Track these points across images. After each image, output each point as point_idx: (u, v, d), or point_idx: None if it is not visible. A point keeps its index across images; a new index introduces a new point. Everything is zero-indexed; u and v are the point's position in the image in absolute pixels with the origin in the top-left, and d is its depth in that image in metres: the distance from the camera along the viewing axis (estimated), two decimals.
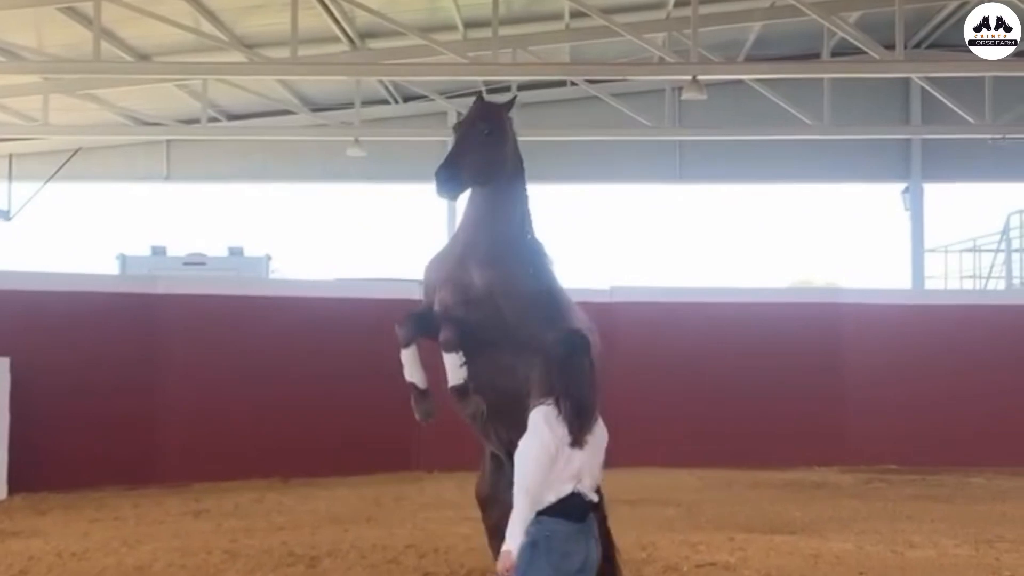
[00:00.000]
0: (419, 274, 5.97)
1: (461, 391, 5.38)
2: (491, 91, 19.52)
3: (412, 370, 5.51)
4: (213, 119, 20.76)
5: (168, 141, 22.94)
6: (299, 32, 14.46)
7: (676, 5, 17.02)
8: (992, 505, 10.86)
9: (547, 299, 5.69)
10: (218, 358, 12.25)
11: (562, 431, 4.52)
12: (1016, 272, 21.56)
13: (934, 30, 19.69)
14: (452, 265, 5.65)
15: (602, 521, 5.17)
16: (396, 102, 21.80)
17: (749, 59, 19.21)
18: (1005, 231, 21.54)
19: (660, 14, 17.71)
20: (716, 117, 20.05)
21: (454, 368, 5.36)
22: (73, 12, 14.99)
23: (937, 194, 22.83)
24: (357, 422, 12.41)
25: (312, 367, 12.49)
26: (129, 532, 9.04)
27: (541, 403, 4.59)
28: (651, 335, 13.28)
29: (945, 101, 17.69)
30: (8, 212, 23.69)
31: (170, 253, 19.78)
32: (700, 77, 15.27)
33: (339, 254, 24.24)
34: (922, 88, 19.32)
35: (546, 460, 4.48)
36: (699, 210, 24.41)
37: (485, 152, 5.65)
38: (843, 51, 17.91)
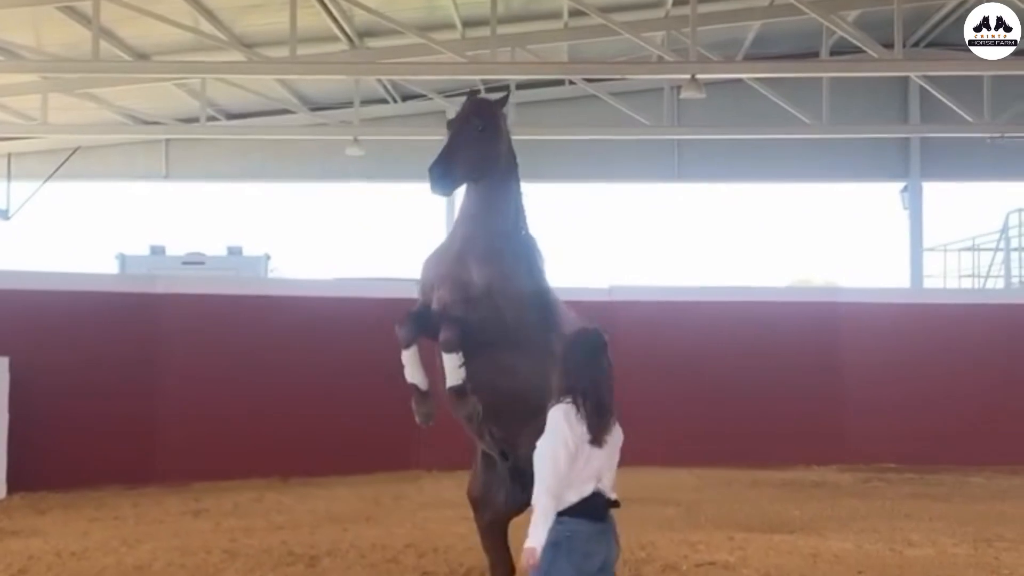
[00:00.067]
0: (417, 273, 5.96)
1: (459, 392, 5.37)
2: (490, 90, 19.54)
3: (413, 371, 5.49)
4: (212, 118, 20.75)
5: (167, 140, 22.94)
6: (298, 31, 14.47)
7: (675, 4, 17.01)
8: (991, 504, 10.86)
9: (542, 298, 5.71)
10: (217, 357, 12.24)
11: (581, 429, 4.50)
12: (1015, 271, 21.55)
13: (933, 29, 19.69)
14: (450, 263, 5.64)
15: None
16: (395, 101, 21.81)
17: (748, 58, 19.20)
18: (1004, 230, 21.53)
19: (659, 13, 17.70)
20: (715, 116, 20.06)
21: (453, 368, 5.34)
22: (72, 11, 14.98)
23: (936, 193, 22.83)
24: (356, 421, 12.41)
25: (311, 366, 12.49)
26: (128, 531, 9.05)
27: (559, 401, 4.57)
28: (650, 334, 13.26)
29: (944, 100, 17.69)
30: (7, 211, 23.68)
31: (169, 252, 19.77)
32: (699, 76, 15.26)
33: (338, 253, 24.26)
34: (921, 87, 19.34)
35: (565, 458, 4.46)
36: (698, 209, 24.41)
37: (479, 148, 5.65)
38: (842, 50, 17.91)
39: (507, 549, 6.00)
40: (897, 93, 21.76)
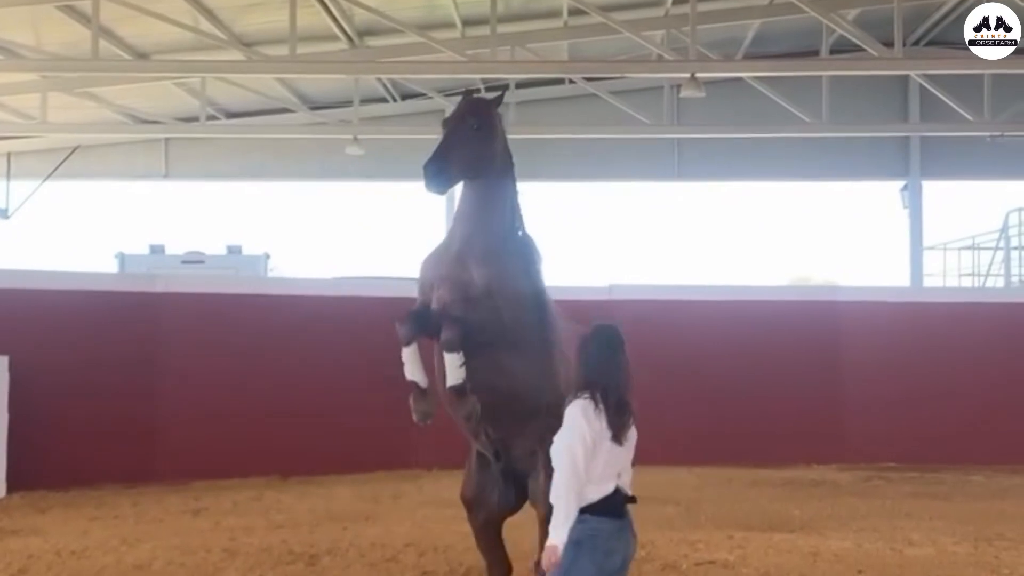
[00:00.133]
0: (416, 272, 5.95)
1: (459, 391, 5.36)
2: (489, 89, 19.53)
3: (413, 368, 5.49)
4: (212, 117, 20.73)
5: (167, 139, 22.92)
6: (297, 30, 14.45)
7: (674, 2, 17.00)
8: (991, 503, 10.86)
9: (539, 299, 5.71)
10: (217, 357, 12.24)
11: (599, 425, 4.48)
12: (1015, 270, 21.54)
13: (933, 27, 19.67)
14: (449, 263, 5.63)
15: None
16: (395, 100, 21.79)
17: (748, 57, 19.19)
18: (1004, 229, 21.52)
19: (659, 11, 17.69)
20: (715, 115, 20.04)
21: (454, 368, 5.33)
22: (71, 10, 14.97)
23: (936, 192, 22.83)
24: (356, 420, 12.41)
25: (310, 365, 12.50)
26: (128, 530, 9.05)
27: (576, 397, 4.55)
28: (650, 333, 13.17)
29: (944, 98, 17.67)
30: (7, 210, 23.65)
31: (169, 251, 19.77)
32: (699, 75, 15.25)
33: (338, 252, 24.26)
34: (921, 85, 19.32)
35: (582, 454, 4.44)
36: (698, 208, 24.42)
37: (474, 147, 5.63)
38: (842, 48, 17.88)
39: (503, 548, 6.01)
40: (897, 92, 21.75)
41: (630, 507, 4.67)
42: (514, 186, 5.89)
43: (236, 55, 16.59)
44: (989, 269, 21.93)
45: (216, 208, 24.68)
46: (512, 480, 5.84)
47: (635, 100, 19.78)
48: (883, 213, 23.26)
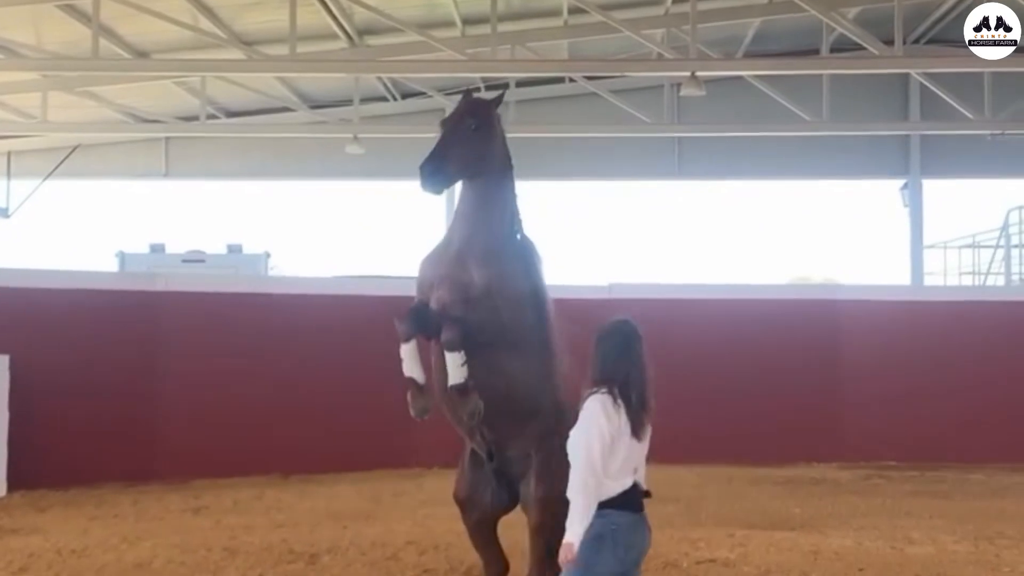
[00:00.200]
0: (416, 271, 5.95)
1: (462, 390, 5.36)
2: (490, 87, 19.55)
3: (411, 365, 5.49)
4: (212, 116, 20.74)
5: (167, 138, 22.92)
6: (298, 29, 14.46)
7: (675, 1, 17.00)
8: (991, 501, 10.86)
9: (538, 300, 5.71)
10: (217, 355, 12.24)
11: (619, 420, 4.48)
12: (1015, 268, 21.55)
13: (933, 26, 19.66)
14: (449, 263, 5.62)
15: None
16: (395, 99, 21.79)
17: (748, 55, 19.19)
18: (1004, 227, 21.52)
19: (659, 10, 17.69)
20: (715, 113, 20.03)
21: (455, 367, 5.33)
22: (72, 9, 14.98)
23: (936, 190, 22.82)
24: (356, 418, 12.41)
25: (311, 363, 12.50)
26: (128, 529, 9.05)
27: (593, 392, 4.54)
28: (650, 332, 13.18)
29: (944, 97, 17.67)
30: (7, 209, 23.65)
31: (169, 250, 19.78)
32: (699, 73, 15.25)
33: (338, 251, 24.26)
34: (921, 84, 19.31)
35: (600, 450, 4.42)
36: (698, 206, 24.42)
37: (471, 147, 5.62)
38: (842, 47, 17.88)
39: (498, 546, 6.01)
40: (897, 90, 21.73)
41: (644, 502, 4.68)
42: (514, 186, 5.87)
43: (236, 54, 16.59)
44: (989, 268, 21.93)
45: (216, 207, 24.70)
46: (505, 480, 5.84)
47: (635, 99, 19.79)
48: (883, 212, 23.26)
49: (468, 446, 5.94)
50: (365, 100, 20.40)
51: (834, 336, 13.90)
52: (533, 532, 5.66)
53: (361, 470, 12.31)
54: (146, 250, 19.82)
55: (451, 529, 8.61)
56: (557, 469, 5.72)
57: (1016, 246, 21.51)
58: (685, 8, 15.24)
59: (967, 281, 21.96)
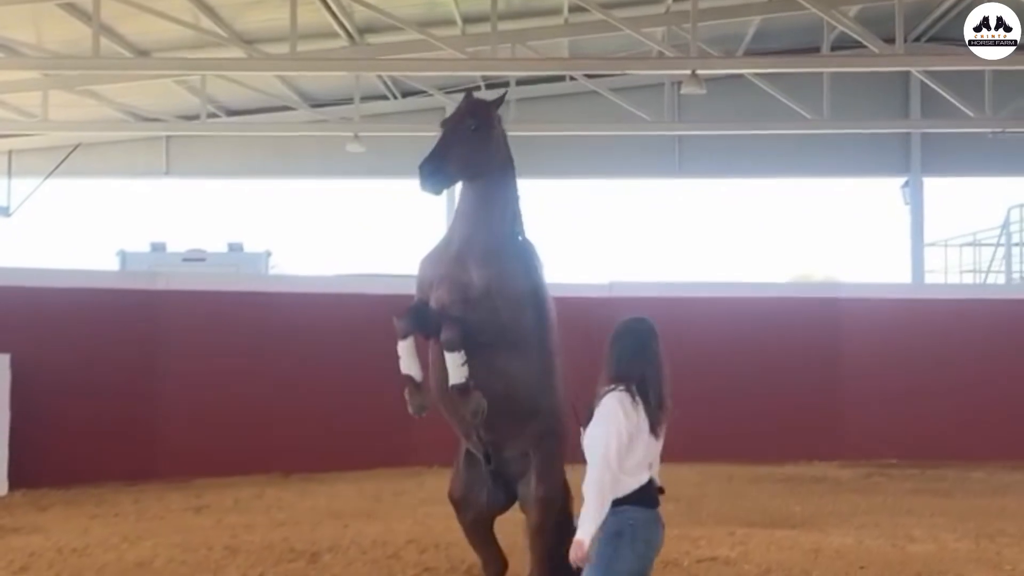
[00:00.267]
0: (416, 270, 5.95)
1: (463, 389, 5.35)
2: (490, 86, 19.56)
3: (408, 362, 5.49)
4: (212, 115, 20.73)
5: (167, 137, 22.92)
6: (298, 28, 14.45)
7: None
8: (992, 499, 10.86)
9: (538, 301, 5.70)
10: (218, 354, 12.24)
11: (637, 418, 4.48)
12: (1016, 266, 21.56)
13: (934, 24, 19.65)
14: (449, 263, 5.62)
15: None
16: (395, 97, 21.79)
17: (748, 53, 19.17)
18: (1005, 225, 21.53)
19: (659, 8, 17.68)
20: (715, 111, 20.02)
21: (456, 367, 5.33)
22: (72, 8, 14.98)
23: (937, 188, 22.81)
24: (357, 417, 12.41)
25: (312, 362, 12.50)
26: (129, 528, 9.05)
27: (611, 389, 4.54)
28: None
29: (945, 95, 17.66)
30: (8, 208, 23.64)
31: (170, 249, 19.77)
32: (699, 71, 15.23)
33: (339, 250, 24.24)
34: (922, 82, 19.29)
35: (617, 448, 4.42)
36: (698, 205, 24.40)
37: (471, 147, 5.60)
38: (843, 45, 17.87)
39: (496, 545, 6.01)
40: (898, 88, 21.72)
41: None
42: (515, 187, 5.86)
43: (237, 53, 16.58)
44: (990, 266, 21.94)
45: (217, 206, 24.66)
46: (502, 480, 5.83)
47: (636, 97, 19.79)
48: (884, 210, 23.25)
49: (463, 445, 5.94)
50: (365, 99, 20.40)
51: (835, 334, 13.89)
52: (533, 532, 5.65)
53: (362, 469, 12.31)
54: (147, 249, 19.80)
55: (452, 528, 8.58)
56: (556, 469, 5.75)
57: (1017, 244, 21.52)
58: (686, 6, 15.23)
59: (968, 279, 21.96)
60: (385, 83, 21.05)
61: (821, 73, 18.07)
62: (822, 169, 22.60)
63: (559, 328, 5.86)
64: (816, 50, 17.89)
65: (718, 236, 24.07)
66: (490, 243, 5.60)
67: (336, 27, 17.09)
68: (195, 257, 19.43)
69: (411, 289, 5.85)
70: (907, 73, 20.26)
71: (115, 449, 11.61)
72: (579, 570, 4.44)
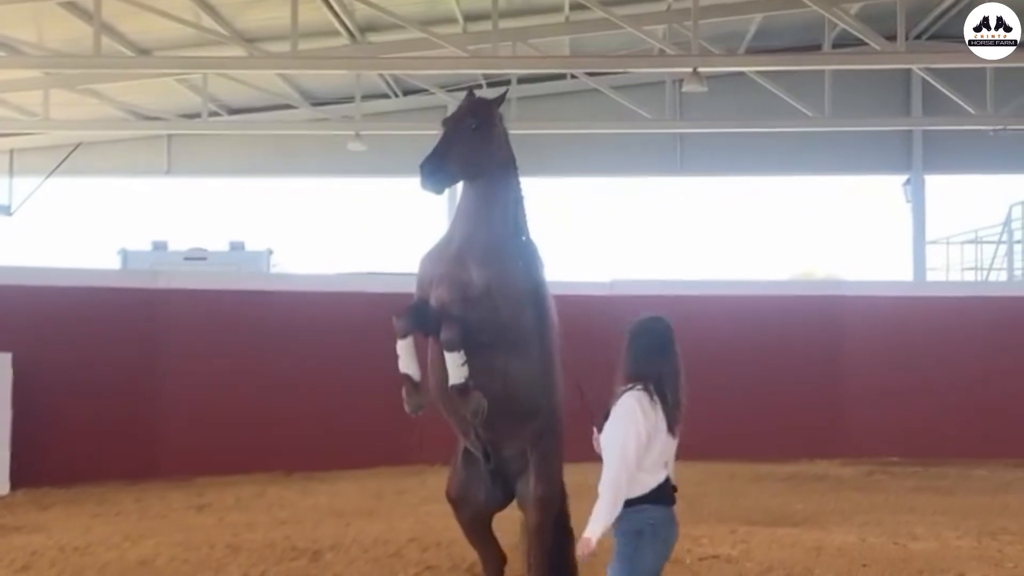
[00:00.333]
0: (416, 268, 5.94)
1: (463, 389, 5.35)
2: (491, 84, 19.55)
3: (407, 361, 5.49)
4: (214, 113, 20.73)
5: (169, 136, 22.93)
6: (299, 26, 14.43)
7: None
8: (994, 497, 10.86)
9: (538, 300, 5.70)
10: (219, 353, 12.25)
11: (656, 417, 4.49)
12: (1018, 264, 21.54)
13: (935, 21, 19.63)
14: (449, 262, 5.60)
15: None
16: (396, 96, 21.78)
17: (750, 51, 19.14)
18: (1007, 222, 21.51)
19: (660, 6, 17.68)
20: (717, 109, 20.00)
21: (455, 367, 5.32)
22: (73, 7, 14.97)
23: (938, 186, 22.79)
24: (358, 416, 12.41)
25: (313, 361, 12.50)
26: (131, 527, 9.06)
27: (628, 388, 4.53)
28: None
29: (946, 92, 17.64)
30: (9, 207, 23.64)
31: (171, 248, 19.77)
32: (701, 69, 15.21)
33: (340, 248, 24.24)
34: (923, 79, 19.27)
35: (635, 448, 4.43)
36: (700, 203, 24.40)
37: (472, 146, 5.60)
38: (844, 43, 17.83)
39: (494, 542, 6.02)
40: (900, 86, 21.69)
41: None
42: (518, 186, 5.84)
43: (238, 51, 16.57)
44: (992, 263, 21.92)
45: (218, 204, 24.67)
46: (500, 479, 5.83)
47: (637, 95, 19.78)
48: (886, 207, 23.23)
49: (460, 444, 5.94)
50: (367, 97, 20.41)
51: (836, 332, 13.89)
52: (533, 532, 5.65)
53: (363, 467, 12.31)
54: (148, 247, 19.80)
55: (453, 526, 8.56)
56: (555, 468, 5.75)
57: (1018, 242, 21.50)
58: (687, 4, 15.22)
59: (969, 277, 21.94)
60: (386, 81, 21.04)
61: (822, 71, 18.05)
62: (823, 167, 22.58)
63: (560, 326, 5.85)
64: (817, 48, 17.86)
65: (719, 234, 24.07)
66: (490, 242, 5.59)
67: (337, 25, 17.07)
68: (196, 256, 19.43)
69: (411, 287, 5.85)
70: (908, 71, 20.22)
71: (117, 448, 11.62)
72: (575, 566, 4.46)
